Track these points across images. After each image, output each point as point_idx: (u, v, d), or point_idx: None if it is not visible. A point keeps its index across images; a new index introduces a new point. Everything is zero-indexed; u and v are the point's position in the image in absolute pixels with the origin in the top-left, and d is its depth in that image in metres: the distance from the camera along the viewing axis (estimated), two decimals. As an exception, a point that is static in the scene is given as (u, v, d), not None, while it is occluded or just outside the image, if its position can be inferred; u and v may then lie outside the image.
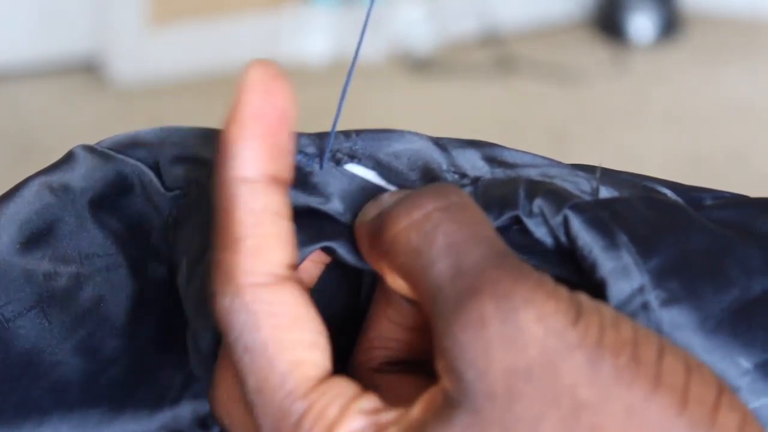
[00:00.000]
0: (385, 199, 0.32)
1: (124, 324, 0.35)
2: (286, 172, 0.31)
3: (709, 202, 0.34)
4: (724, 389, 0.28)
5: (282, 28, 2.78)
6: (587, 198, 0.33)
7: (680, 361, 0.28)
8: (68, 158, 0.35)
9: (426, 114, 2.55)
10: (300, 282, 0.31)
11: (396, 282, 0.31)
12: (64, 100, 2.58)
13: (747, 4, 3.11)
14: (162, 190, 0.34)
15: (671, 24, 2.98)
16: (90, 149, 0.35)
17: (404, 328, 0.33)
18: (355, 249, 0.32)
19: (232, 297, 0.29)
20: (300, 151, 0.34)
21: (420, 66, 2.77)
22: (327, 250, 0.33)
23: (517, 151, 0.35)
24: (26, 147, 2.32)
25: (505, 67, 2.76)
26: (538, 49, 2.86)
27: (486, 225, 0.30)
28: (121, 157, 0.35)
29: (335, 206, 0.33)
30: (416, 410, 0.29)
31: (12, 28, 2.67)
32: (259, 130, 0.30)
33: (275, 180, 0.30)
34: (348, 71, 0.34)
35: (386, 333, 0.33)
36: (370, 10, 0.35)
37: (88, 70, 2.68)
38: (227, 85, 2.66)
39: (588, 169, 0.34)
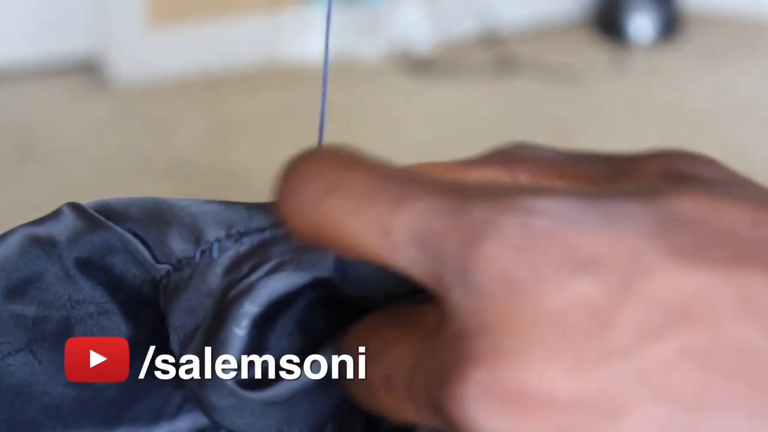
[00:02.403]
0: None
1: None
2: None
3: None
4: None
5: (282, 28, 2.78)
6: None
7: None
8: (56, 215, 0.35)
9: (426, 114, 2.55)
10: None
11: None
12: (64, 100, 2.58)
13: (747, 4, 3.11)
14: (151, 260, 0.34)
15: (671, 24, 2.98)
16: (79, 210, 0.35)
17: None
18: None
19: None
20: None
21: (420, 66, 2.77)
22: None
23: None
24: (26, 147, 2.32)
25: (505, 67, 2.76)
26: (538, 49, 2.86)
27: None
28: (109, 224, 0.34)
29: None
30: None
31: (12, 28, 2.67)
32: None
33: None
34: (323, 93, 0.33)
35: None
36: (329, 11, 0.34)
37: (88, 70, 2.68)
38: (227, 85, 2.66)
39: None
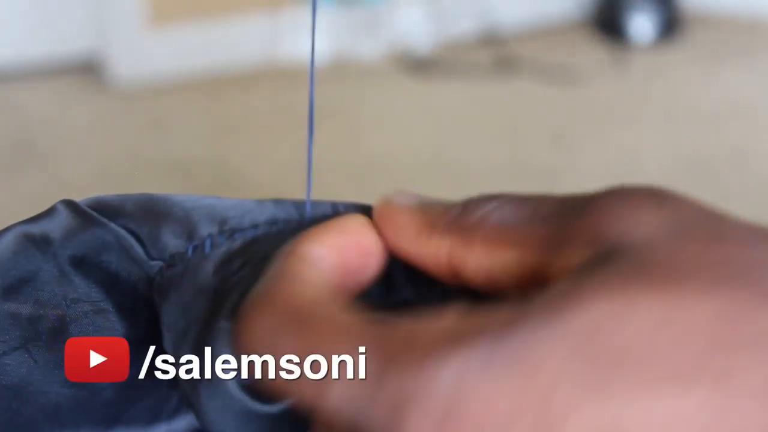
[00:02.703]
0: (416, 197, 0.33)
1: None
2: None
3: None
4: None
5: (282, 28, 2.78)
6: None
7: None
8: (50, 212, 0.35)
9: (426, 114, 2.55)
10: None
11: (486, 257, 0.31)
12: (63, 100, 2.58)
13: (747, 4, 3.11)
14: (145, 257, 0.34)
15: (671, 24, 2.98)
16: (73, 207, 0.35)
17: None
18: None
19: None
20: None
21: (420, 66, 2.77)
22: None
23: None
24: (26, 147, 2.32)
25: (505, 67, 2.76)
26: (538, 49, 2.86)
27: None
28: (103, 221, 0.34)
29: None
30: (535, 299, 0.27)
31: (11, 28, 2.67)
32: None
33: None
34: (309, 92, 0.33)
35: None
36: (314, 10, 0.34)
37: (88, 70, 2.68)
38: (227, 85, 2.66)
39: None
